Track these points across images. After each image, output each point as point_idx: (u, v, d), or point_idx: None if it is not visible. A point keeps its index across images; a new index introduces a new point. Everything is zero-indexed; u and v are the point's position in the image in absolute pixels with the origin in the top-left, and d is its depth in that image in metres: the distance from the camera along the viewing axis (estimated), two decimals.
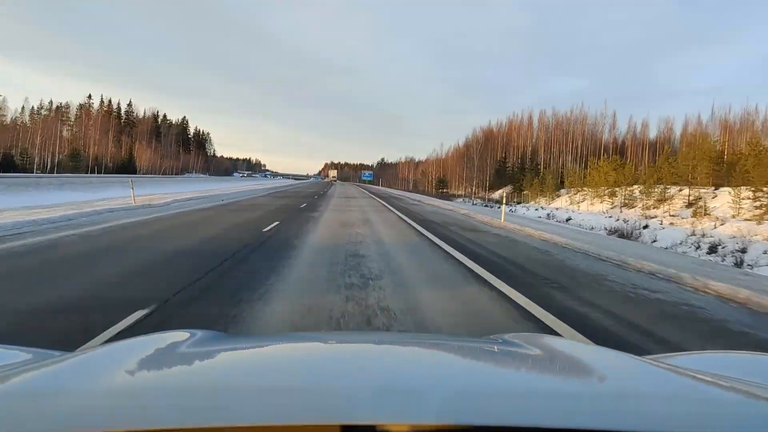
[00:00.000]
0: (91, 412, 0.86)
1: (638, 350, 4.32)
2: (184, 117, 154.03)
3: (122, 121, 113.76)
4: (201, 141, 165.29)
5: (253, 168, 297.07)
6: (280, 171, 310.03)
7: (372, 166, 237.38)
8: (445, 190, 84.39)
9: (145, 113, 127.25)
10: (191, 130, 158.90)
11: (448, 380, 1.12)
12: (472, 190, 66.97)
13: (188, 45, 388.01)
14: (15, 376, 1.08)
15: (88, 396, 0.94)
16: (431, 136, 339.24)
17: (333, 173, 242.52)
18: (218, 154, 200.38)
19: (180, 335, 1.46)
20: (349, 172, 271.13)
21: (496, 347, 1.59)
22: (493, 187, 72.80)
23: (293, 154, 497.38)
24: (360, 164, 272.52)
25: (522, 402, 0.96)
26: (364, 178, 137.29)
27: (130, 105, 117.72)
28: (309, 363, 1.30)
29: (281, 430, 0.76)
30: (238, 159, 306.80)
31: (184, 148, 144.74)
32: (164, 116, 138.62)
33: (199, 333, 1.53)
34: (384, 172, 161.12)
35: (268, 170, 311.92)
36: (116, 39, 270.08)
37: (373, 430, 0.74)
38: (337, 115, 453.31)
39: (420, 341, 1.92)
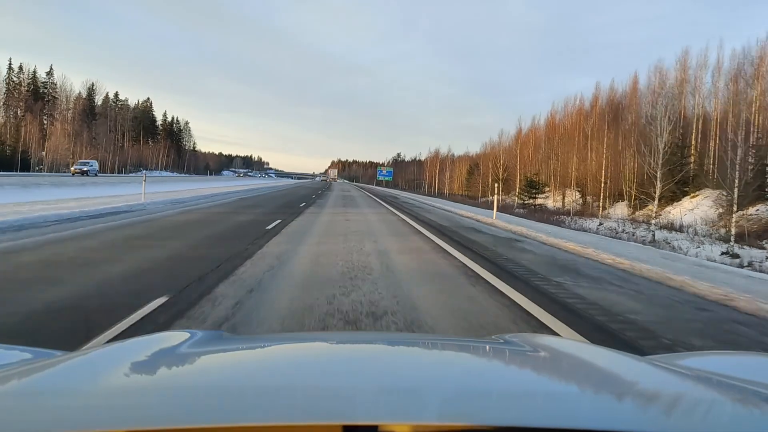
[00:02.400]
0: (91, 412, 0.85)
1: None
2: (147, 98, 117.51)
3: (40, 94, 77.52)
4: (174, 131, 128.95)
5: (251, 165, 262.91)
6: (286, 170, 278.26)
7: (384, 164, 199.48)
8: (535, 202, 46.00)
9: (94, 90, 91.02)
10: (158, 116, 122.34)
11: (449, 380, 1.10)
12: (655, 197, 27.90)
13: (192, 40, 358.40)
14: (15, 376, 1.06)
15: (89, 396, 0.92)
16: (443, 135, 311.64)
17: (333, 172, 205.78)
18: (207, 150, 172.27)
19: (180, 335, 1.42)
20: (357, 171, 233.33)
21: (496, 347, 1.56)
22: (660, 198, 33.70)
23: (300, 152, 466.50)
24: (369, 162, 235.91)
25: (523, 402, 0.94)
26: (381, 178, 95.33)
27: (50, 74, 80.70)
28: (310, 363, 1.27)
29: (282, 430, 0.75)
30: (236, 156, 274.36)
31: (148, 138, 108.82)
32: (116, 95, 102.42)
33: (200, 333, 1.50)
34: (401, 170, 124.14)
35: (271, 168, 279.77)
36: (118, 31, 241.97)
37: (375, 430, 0.72)
38: (346, 114, 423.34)
39: (421, 341, 1.86)
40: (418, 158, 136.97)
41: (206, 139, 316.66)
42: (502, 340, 1.64)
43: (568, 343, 2.20)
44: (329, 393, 0.93)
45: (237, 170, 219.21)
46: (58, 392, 0.95)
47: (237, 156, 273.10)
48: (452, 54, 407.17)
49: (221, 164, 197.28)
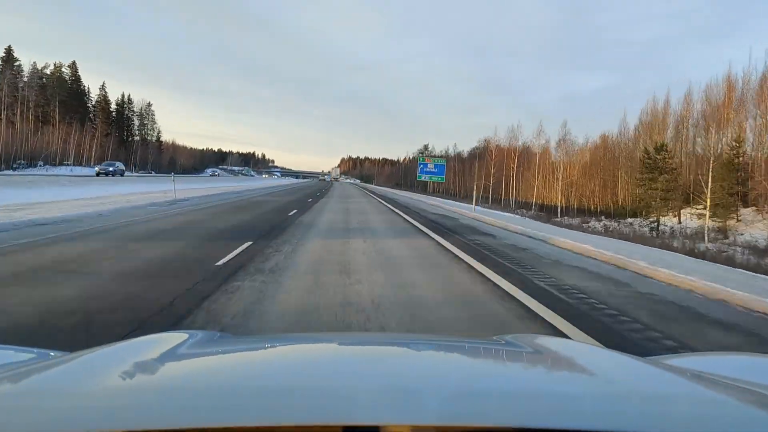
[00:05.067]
0: (91, 412, 0.83)
1: None
2: (74, 62, 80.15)
3: None
4: (124, 115, 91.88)
5: (250, 163, 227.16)
6: (294, 168, 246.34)
7: (398, 161, 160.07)
8: None
9: None
10: (93, 91, 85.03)
11: (450, 381, 1.09)
12: None
13: (201, 40, 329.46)
14: (15, 376, 1.05)
15: (87, 396, 0.90)
16: (453, 135, 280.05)
17: (336, 171, 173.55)
18: (203, 146, 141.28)
19: (180, 336, 1.40)
20: (371, 169, 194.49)
21: (497, 348, 1.55)
22: None
23: (309, 151, 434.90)
24: (384, 159, 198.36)
25: (523, 403, 0.93)
26: (425, 177, 46.61)
27: None
28: (310, 363, 1.25)
29: (281, 431, 0.74)
30: (235, 153, 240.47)
31: (73, 119, 72.12)
32: (7, 49, 65.33)
33: (200, 334, 1.48)
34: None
35: (276, 167, 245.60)
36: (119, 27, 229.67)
37: (375, 430, 0.71)
38: (356, 112, 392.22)
39: (421, 342, 1.83)
40: (450, 151, 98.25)
41: (203, 136, 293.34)
42: (503, 341, 1.60)
43: (568, 343, 2.15)
44: (329, 393, 0.91)
45: (233, 168, 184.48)
46: (56, 393, 0.93)
47: (237, 153, 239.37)
48: (463, 52, 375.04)
49: (205, 161, 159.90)
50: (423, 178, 44.65)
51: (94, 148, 74.89)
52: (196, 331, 1.52)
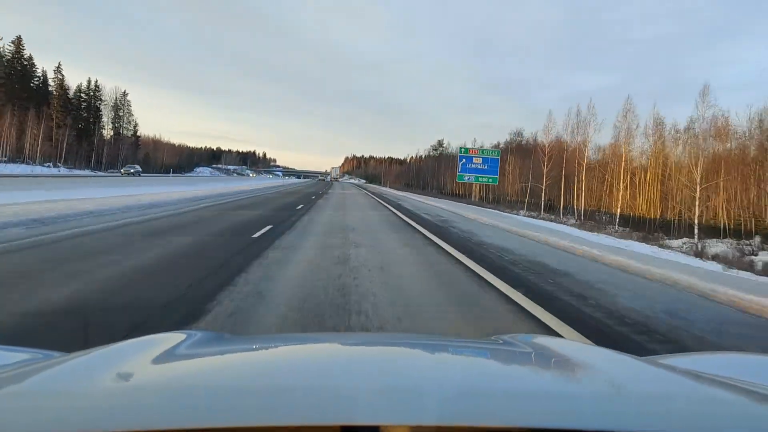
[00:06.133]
0: (88, 412, 0.82)
1: None
2: (18, 38, 66.17)
3: None
4: (91, 104, 77.84)
5: (247, 162, 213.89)
6: (297, 168, 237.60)
7: (405, 160, 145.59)
8: None
9: None
10: (49, 72, 70.90)
11: (449, 381, 1.07)
12: None
13: (201, 38, 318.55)
14: (15, 377, 1.04)
15: (86, 397, 0.90)
16: (454, 135, 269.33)
17: (336, 171, 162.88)
18: (199, 144, 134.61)
19: (178, 336, 1.38)
20: (377, 168, 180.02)
21: (496, 348, 1.53)
22: None
23: (312, 150, 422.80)
24: (389, 158, 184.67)
25: (523, 403, 0.92)
26: (468, 177, 29.04)
27: None
28: (309, 363, 1.24)
29: (280, 431, 0.73)
30: (236, 152, 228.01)
31: (15, 106, 58.24)
32: None
33: (199, 334, 1.48)
34: (440, 166, 71.74)
35: (278, 166, 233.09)
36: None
37: (374, 430, 0.70)
38: (358, 112, 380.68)
39: (421, 342, 1.81)
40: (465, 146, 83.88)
41: (204, 135, 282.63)
42: (502, 341, 1.59)
43: (568, 343, 2.15)
44: (328, 393, 0.90)
45: (226, 167, 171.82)
46: (56, 393, 0.92)
47: (235, 152, 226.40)
48: (464, 52, 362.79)
49: (195, 160, 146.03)
50: (466, 179, 29.76)
51: (39, 142, 60.91)
52: (194, 331, 1.50)
